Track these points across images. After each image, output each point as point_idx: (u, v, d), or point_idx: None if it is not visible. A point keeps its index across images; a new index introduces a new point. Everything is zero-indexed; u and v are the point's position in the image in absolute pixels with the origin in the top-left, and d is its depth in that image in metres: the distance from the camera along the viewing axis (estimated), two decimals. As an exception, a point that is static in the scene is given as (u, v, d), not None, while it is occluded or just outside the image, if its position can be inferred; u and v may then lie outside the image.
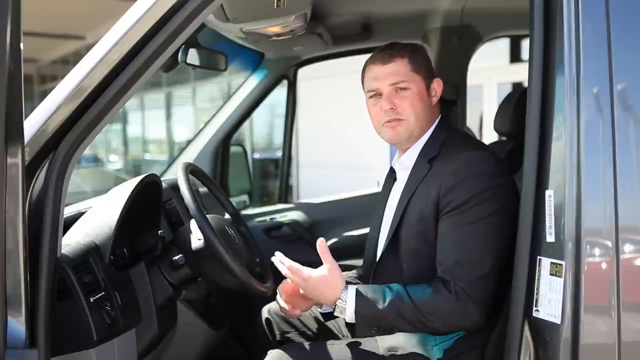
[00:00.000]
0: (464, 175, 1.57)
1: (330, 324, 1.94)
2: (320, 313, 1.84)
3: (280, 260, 1.65)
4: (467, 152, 1.62)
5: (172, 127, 13.48)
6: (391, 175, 1.86)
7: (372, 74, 1.73)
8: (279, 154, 5.14)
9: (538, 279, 1.33)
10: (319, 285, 1.59)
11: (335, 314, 1.60)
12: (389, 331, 1.59)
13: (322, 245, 1.61)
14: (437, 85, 1.75)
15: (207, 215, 1.82)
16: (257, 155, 10.31)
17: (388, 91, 1.70)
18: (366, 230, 1.96)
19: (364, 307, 1.56)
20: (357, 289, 1.59)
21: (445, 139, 1.70)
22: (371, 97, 1.74)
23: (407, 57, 1.70)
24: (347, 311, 1.57)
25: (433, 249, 1.60)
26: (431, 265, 1.59)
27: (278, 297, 1.74)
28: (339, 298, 1.57)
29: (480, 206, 1.54)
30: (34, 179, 1.42)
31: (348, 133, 7.47)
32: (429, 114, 1.72)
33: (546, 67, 1.35)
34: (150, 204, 1.93)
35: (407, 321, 1.54)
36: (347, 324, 1.92)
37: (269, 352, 1.70)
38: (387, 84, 1.69)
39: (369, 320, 1.57)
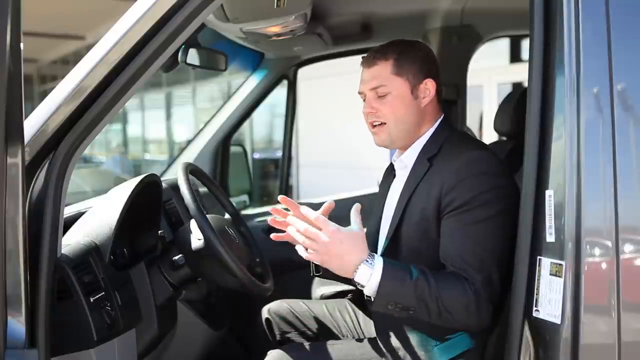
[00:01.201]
0: (465, 175, 1.55)
1: (330, 323, 1.94)
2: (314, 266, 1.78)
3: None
4: (468, 152, 1.60)
5: (172, 127, 13.48)
6: (390, 172, 1.85)
7: (361, 77, 1.72)
8: (279, 154, 5.14)
9: (538, 279, 1.32)
10: (347, 242, 1.43)
11: (357, 279, 1.45)
12: (406, 311, 1.48)
13: (357, 208, 1.51)
14: (431, 86, 1.68)
15: (207, 215, 1.82)
16: (257, 155, 10.31)
17: (370, 95, 1.69)
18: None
19: (390, 276, 1.44)
20: (383, 256, 1.48)
21: (446, 138, 1.68)
22: (363, 99, 1.74)
23: (392, 59, 1.66)
24: (373, 278, 1.44)
25: (434, 247, 1.58)
26: (432, 264, 1.57)
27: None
28: (366, 260, 1.44)
29: (481, 207, 1.52)
30: (34, 179, 1.42)
31: (348, 133, 7.44)
32: (417, 117, 1.68)
33: (546, 67, 1.35)
34: (150, 204, 1.93)
35: (426, 306, 1.46)
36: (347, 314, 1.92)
37: (269, 352, 1.70)
38: (368, 88, 1.69)
39: (391, 294, 1.45)
